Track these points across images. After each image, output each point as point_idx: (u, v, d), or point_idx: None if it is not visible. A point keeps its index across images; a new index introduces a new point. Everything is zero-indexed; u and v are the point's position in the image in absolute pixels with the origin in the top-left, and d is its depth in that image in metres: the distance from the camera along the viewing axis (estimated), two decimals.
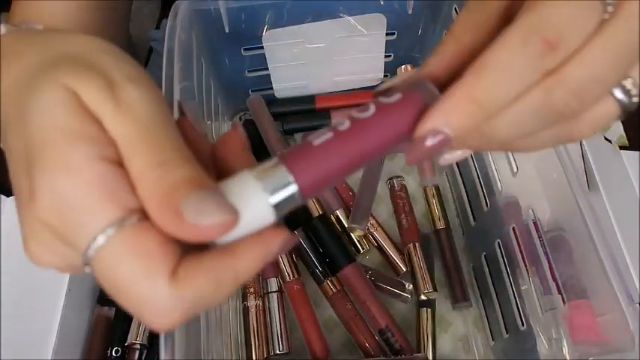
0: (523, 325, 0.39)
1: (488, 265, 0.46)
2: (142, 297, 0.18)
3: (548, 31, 0.18)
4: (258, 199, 0.19)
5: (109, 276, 0.18)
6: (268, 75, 0.54)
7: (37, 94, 0.19)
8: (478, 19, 0.22)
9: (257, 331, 0.46)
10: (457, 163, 0.51)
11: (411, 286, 0.48)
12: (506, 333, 0.42)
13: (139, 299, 0.18)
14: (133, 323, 0.45)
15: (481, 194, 0.46)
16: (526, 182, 0.39)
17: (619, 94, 0.20)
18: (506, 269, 0.42)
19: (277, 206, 0.19)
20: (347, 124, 0.20)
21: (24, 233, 0.19)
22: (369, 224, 0.50)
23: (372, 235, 0.51)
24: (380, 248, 0.51)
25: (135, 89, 0.19)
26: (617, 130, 0.59)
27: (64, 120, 0.18)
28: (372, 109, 0.21)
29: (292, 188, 0.19)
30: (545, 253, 0.39)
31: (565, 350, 0.36)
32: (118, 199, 0.18)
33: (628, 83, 0.20)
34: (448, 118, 0.19)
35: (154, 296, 0.18)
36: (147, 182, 0.18)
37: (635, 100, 0.20)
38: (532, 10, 0.19)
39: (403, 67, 0.54)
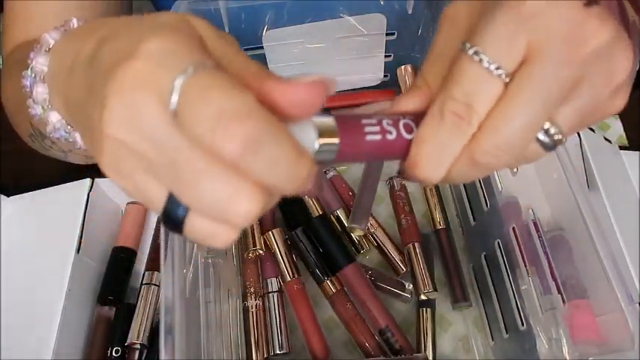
0: (523, 325, 0.39)
1: (488, 265, 0.46)
2: (230, 104, 0.18)
3: (456, 105, 0.22)
4: (310, 139, 0.22)
5: (201, 95, 0.19)
6: None
7: (160, 16, 0.23)
8: (442, 67, 0.24)
9: (257, 331, 0.46)
10: None
11: (411, 286, 0.48)
12: (506, 333, 0.42)
13: (229, 105, 0.18)
14: (133, 323, 0.45)
15: (481, 194, 0.46)
16: (526, 182, 0.39)
17: (543, 137, 0.23)
18: (506, 269, 0.42)
19: (318, 152, 0.23)
20: (394, 134, 0.24)
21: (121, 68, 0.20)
22: (369, 224, 0.50)
23: (372, 235, 0.51)
24: (380, 248, 0.51)
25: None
26: (617, 130, 0.59)
27: (178, 19, 0.22)
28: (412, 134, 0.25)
29: (334, 149, 0.23)
30: (545, 252, 0.39)
31: (565, 350, 0.36)
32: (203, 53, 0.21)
33: (546, 125, 0.22)
34: (413, 172, 0.24)
35: (241, 102, 0.18)
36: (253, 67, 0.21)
37: (558, 137, 0.23)
38: (445, 87, 0.23)
39: (403, 67, 0.54)
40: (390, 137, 0.24)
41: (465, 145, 0.23)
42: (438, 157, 0.23)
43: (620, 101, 0.23)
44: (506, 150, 0.22)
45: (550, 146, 0.23)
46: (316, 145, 0.22)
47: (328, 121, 0.23)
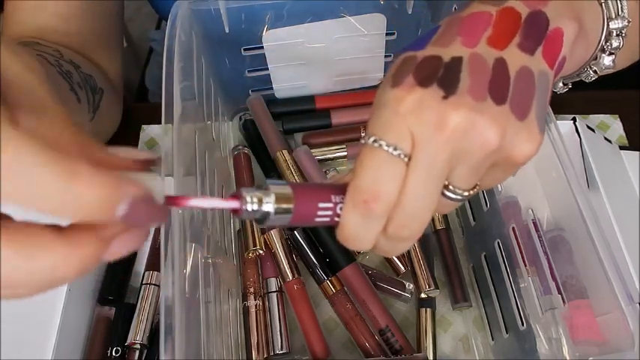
0: (523, 324, 0.39)
1: (488, 265, 0.46)
2: None
3: (365, 193, 0.25)
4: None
5: None
6: (268, 75, 0.54)
7: None
8: None
9: (257, 331, 0.46)
10: None
11: (412, 285, 0.48)
12: (506, 333, 0.42)
13: None
14: (133, 323, 0.45)
15: (481, 194, 0.46)
16: (526, 182, 0.39)
17: (451, 194, 0.27)
18: (506, 269, 0.42)
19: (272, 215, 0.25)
20: None
21: None
22: None
23: None
24: None
25: None
26: (617, 130, 0.59)
27: None
28: None
29: (288, 216, 0.26)
30: (545, 252, 0.39)
31: (565, 350, 0.36)
32: None
33: (451, 186, 0.26)
34: (344, 243, 0.28)
35: None
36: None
37: (465, 193, 0.27)
38: (354, 176, 0.26)
39: None
40: (337, 219, 0.27)
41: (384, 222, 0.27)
42: (359, 237, 0.27)
43: (521, 150, 0.26)
44: (414, 219, 0.26)
45: (461, 199, 0.27)
46: (272, 209, 0.25)
47: (287, 192, 0.26)
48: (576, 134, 0.50)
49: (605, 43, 0.33)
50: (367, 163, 0.25)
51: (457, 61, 0.26)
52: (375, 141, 0.25)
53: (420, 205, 0.26)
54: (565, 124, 0.51)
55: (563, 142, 0.33)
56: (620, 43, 0.33)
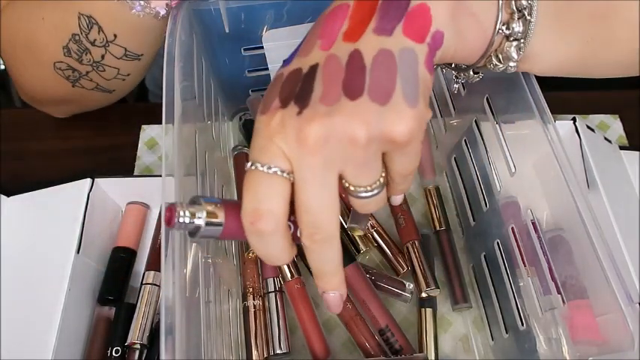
0: (523, 325, 0.39)
1: (487, 265, 0.46)
2: None
3: (248, 215, 0.27)
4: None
5: None
6: (268, 75, 0.54)
7: None
8: None
9: (257, 331, 0.46)
10: (456, 163, 0.51)
11: (412, 285, 0.48)
12: (506, 333, 0.42)
13: None
14: (133, 323, 0.45)
15: (480, 194, 0.46)
16: (525, 182, 0.39)
17: (356, 194, 0.28)
18: (506, 269, 0.42)
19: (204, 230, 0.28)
20: None
21: None
22: (369, 224, 0.50)
23: (372, 235, 0.51)
24: (380, 248, 0.51)
25: None
26: (617, 130, 0.59)
27: None
28: None
29: (219, 230, 0.28)
30: (545, 253, 0.39)
31: (565, 350, 0.36)
32: None
33: (351, 187, 0.28)
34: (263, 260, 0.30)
35: None
36: None
37: (370, 189, 0.28)
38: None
39: None
40: None
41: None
42: (269, 255, 0.28)
43: (395, 131, 0.26)
44: (320, 225, 0.27)
45: (372, 195, 0.28)
46: (202, 223, 0.27)
47: (218, 208, 0.28)
48: (576, 134, 0.50)
49: (506, 27, 0.30)
50: (247, 186, 0.27)
51: (313, 70, 0.27)
52: (252, 164, 0.26)
53: (319, 212, 0.26)
54: (565, 124, 0.51)
55: (562, 143, 0.33)
56: (521, 27, 0.30)
